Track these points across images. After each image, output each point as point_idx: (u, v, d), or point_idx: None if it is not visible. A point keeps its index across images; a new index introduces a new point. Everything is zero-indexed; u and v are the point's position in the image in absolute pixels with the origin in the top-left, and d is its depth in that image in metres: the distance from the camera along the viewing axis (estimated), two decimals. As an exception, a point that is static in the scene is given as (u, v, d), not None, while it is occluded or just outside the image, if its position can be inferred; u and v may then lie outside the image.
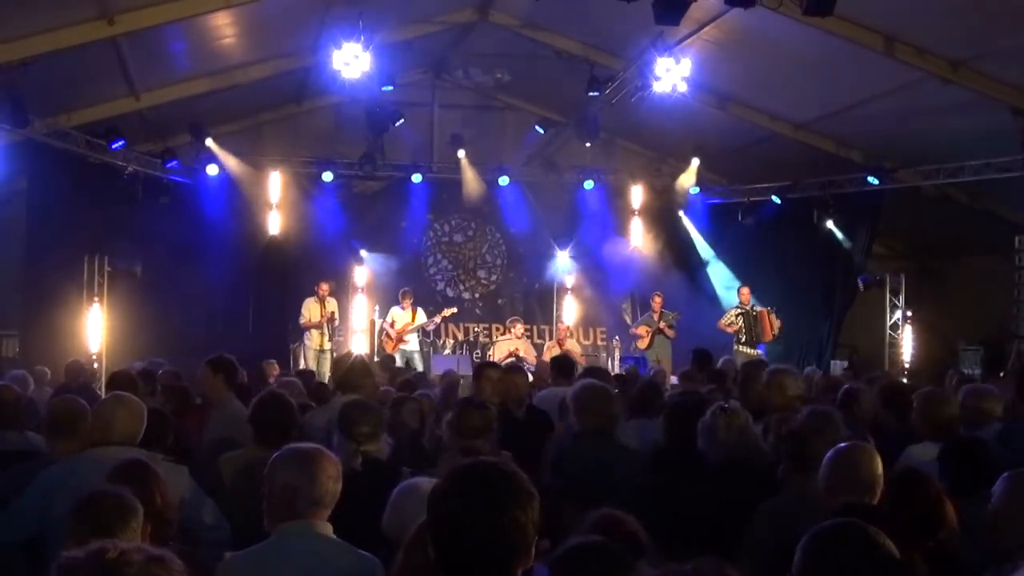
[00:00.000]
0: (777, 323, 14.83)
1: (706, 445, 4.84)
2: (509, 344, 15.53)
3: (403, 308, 15.43)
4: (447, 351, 16.61)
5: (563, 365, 8.50)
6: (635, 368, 12.87)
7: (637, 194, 17.75)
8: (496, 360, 14.77)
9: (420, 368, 14.29)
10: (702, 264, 17.61)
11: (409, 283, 16.10)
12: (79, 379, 10.26)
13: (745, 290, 15.12)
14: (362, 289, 16.65)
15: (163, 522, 3.72)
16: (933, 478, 3.88)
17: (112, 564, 1.83)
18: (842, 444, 3.99)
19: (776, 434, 5.29)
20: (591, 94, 13.93)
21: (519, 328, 15.76)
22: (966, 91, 11.95)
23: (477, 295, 17.98)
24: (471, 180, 16.95)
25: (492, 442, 4.92)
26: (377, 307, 16.44)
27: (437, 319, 15.99)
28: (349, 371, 6.64)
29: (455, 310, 16.33)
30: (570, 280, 17.67)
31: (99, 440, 4.52)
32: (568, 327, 16.40)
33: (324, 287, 14.82)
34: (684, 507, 4.49)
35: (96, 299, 13.73)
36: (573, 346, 15.83)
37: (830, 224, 16.08)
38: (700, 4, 10.10)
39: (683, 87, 12.48)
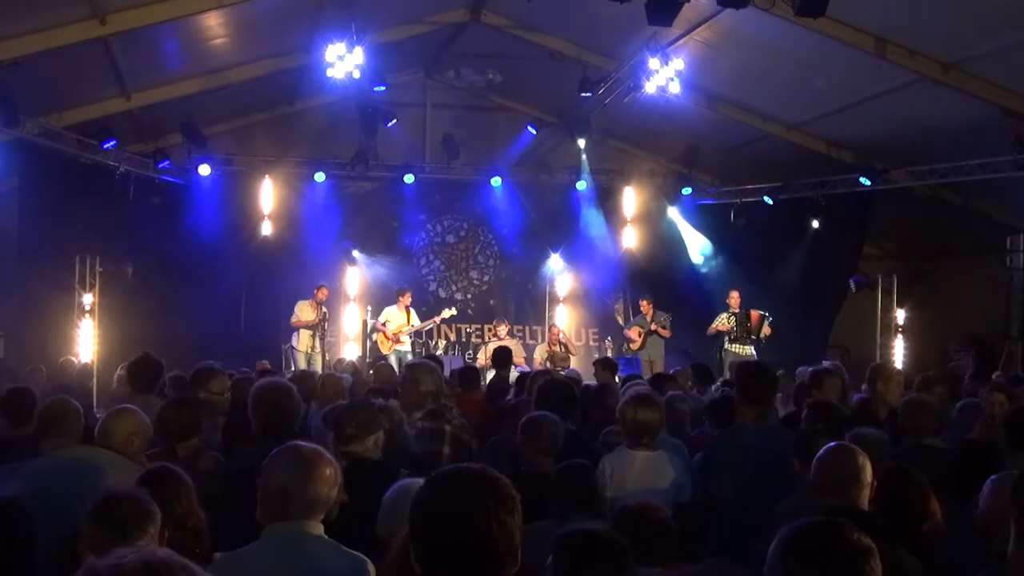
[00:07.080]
0: (768, 331, 14.75)
1: None
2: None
3: (399, 307, 15.26)
4: (439, 352, 16.57)
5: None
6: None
7: (629, 195, 17.75)
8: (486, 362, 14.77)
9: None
10: (694, 265, 17.58)
11: (402, 284, 16.02)
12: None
13: (735, 294, 14.96)
14: (354, 294, 16.61)
15: (186, 531, 3.65)
16: (918, 473, 3.88)
17: None
18: (832, 443, 3.99)
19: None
20: (583, 95, 13.97)
21: (503, 330, 15.69)
22: (957, 92, 11.97)
23: (469, 296, 17.96)
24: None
25: None
26: (369, 308, 16.41)
27: (436, 319, 15.92)
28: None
29: (454, 312, 16.15)
30: (562, 281, 17.66)
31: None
32: (559, 328, 16.30)
33: (323, 292, 14.75)
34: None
35: (87, 300, 13.67)
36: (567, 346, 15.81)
37: (822, 225, 16.09)
38: (693, 5, 10.12)
39: (675, 88, 12.53)
